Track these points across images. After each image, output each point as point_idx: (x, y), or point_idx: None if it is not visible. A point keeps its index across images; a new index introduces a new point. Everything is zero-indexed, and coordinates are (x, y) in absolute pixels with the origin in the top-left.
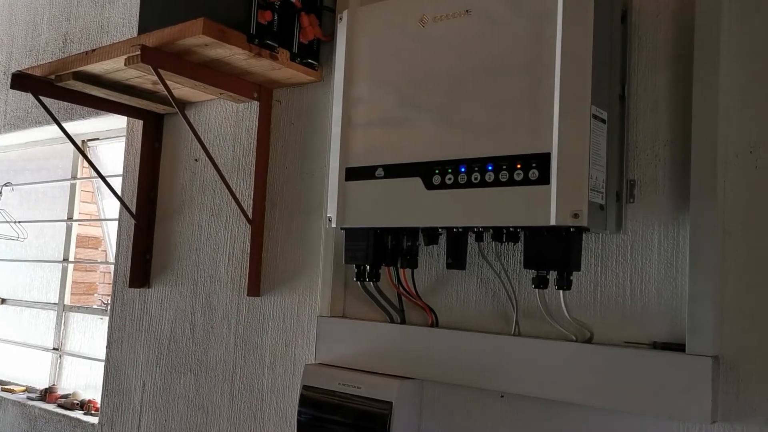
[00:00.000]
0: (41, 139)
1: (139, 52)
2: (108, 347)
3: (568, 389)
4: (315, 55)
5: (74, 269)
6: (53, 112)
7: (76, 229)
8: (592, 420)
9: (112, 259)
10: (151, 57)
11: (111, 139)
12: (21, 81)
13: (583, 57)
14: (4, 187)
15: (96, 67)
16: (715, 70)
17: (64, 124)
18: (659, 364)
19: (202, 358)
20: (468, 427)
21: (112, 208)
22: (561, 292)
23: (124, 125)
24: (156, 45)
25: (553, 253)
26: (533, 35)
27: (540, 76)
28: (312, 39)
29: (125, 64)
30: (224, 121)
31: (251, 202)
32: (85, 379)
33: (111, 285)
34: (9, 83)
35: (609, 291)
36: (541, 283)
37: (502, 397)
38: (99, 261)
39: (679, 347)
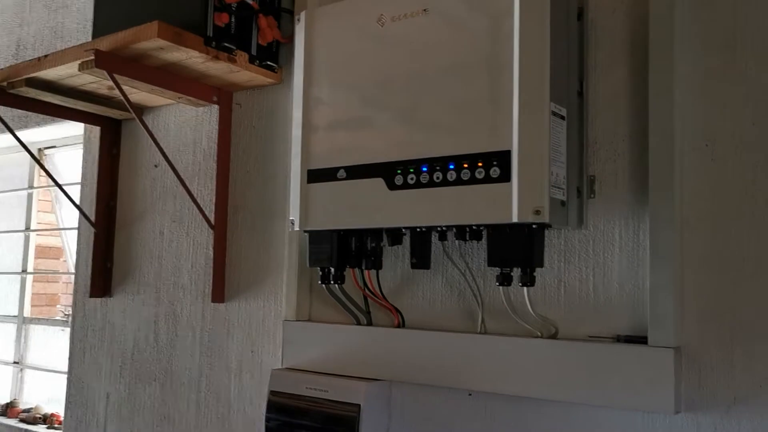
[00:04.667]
0: None
1: (93, 57)
2: (70, 359)
3: (534, 385)
4: (274, 57)
5: (35, 280)
6: (7, 120)
7: (35, 239)
8: (559, 414)
9: (72, 264)
10: (106, 62)
11: (68, 147)
12: None
13: (540, 54)
14: None
15: (49, 73)
16: (669, 64)
17: (19, 132)
18: (622, 358)
19: (167, 367)
20: (437, 427)
21: (71, 217)
22: (525, 288)
23: (81, 132)
24: (110, 49)
25: (516, 250)
26: (491, 33)
27: (498, 74)
28: (271, 41)
29: (79, 70)
30: (184, 126)
31: (213, 207)
32: (48, 393)
33: (73, 287)
34: None
35: (573, 286)
36: (505, 280)
37: (470, 395)
38: (58, 271)
39: (641, 340)
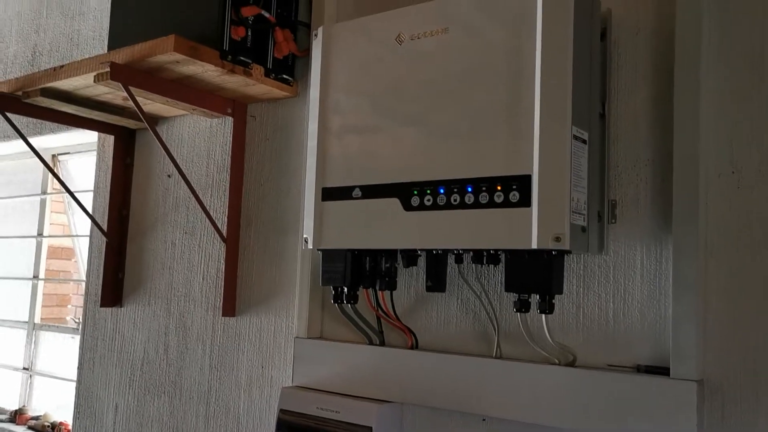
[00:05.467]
0: (9, 153)
1: (108, 69)
2: (79, 368)
3: (551, 413)
4: (290, 70)
5: (46, 280)
6: (22, 126)
7: (47, 242)
8: None
9: (83, 270)
10: (121, 74)
11: (82, 153)
12: None
13: (563, 77)
14: None
15: (64, 84)
16: (695, 88)
17: (34, 139)
18: (643, 388)
19: (176, 380)
20: None
21: (83, 221)
22: (543, 315)
23: (95, 139)
24: (126, 62)
25: (534, 276)
26: (512, 55)
27: (520, 96)
28: (287, 54)
29: (95, 81)
30: (197, 137)
31: (226, 219)
32: (57, 400)
33: (83, 296)
34: None
35: (592, 313)
36: (522, 306)
37: (483, 420)
38: (69, 279)
39: (663, 371)
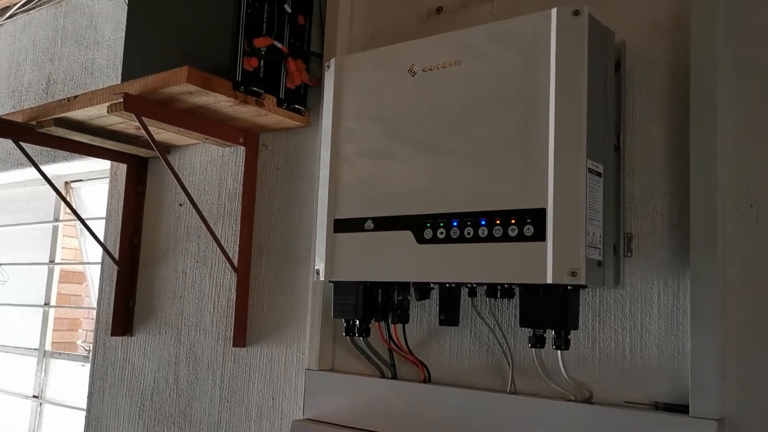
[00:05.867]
0: (23, 180)
1: (121, 100)
2: (89, 397)
3: None
4: (302, 100)
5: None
6: (36, 153)
7: (59, 269)
8: None
9: (94, 295)
10: (134, 105)
11: (95, 180)
12: (1, 127)
13: (577, 109)
14: None
15: (78, 114)
16: (712, 121)
17: (47, 166)
18: (662, 427)
19: (186, 411)
20: None
21: (95, 247)
22: (559, 351)
23: (108, 167)
24: (139, 93)
25: (549, 311)
26: (526, 87)
27: (534, 129)
28: (299, 84)
29: (108, 112)
30: (209, 166)
31: (237, 249)
32: (66, 429)
33: (94, 324)
34: None
35: (608, 348)
36: (537, 342)
37: None
38: (80, 306)
39: (682, 408)
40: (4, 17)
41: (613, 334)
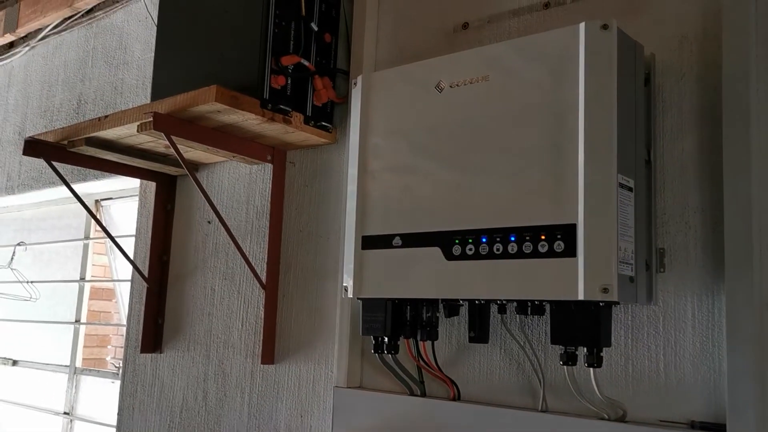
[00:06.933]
0: (55, 198)
1: (151, 119)
2: (119, 414)
3: None
4: (329, 117)
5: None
6: (67, 172)
7: (89, 286)
8: None
9: (123, 312)
10: (164, 124)
11: (124, 198)
12: (33, 147)
13: (607, 123)
14: (17, 247)
15: (108, 133)
16: (746, 132)
17: (78, 185)
18: None
19: (214, 428)
20: None
21: (124, 264)
22: (591, 369)
23: (137, 185)
24: (168, 112)
25: (581, 328)
26: (555, 102)
27: (563, 143)
28: (326, 102)
29: (138, 131)
30: (237, 183)
31: (265, 266)
32: None
33: (124, 341)
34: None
35: (641, 365)
36: (569, 359)
37: None
38: (110, 323)
39: (719, 428)
40: (37, 39)
41: (646, 351)
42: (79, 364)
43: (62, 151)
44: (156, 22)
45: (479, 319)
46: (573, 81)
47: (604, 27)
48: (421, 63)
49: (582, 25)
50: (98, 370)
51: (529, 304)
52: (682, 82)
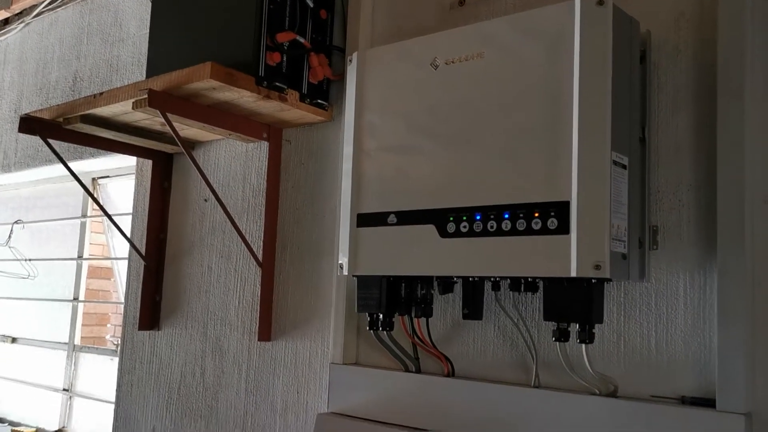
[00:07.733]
0: (52, 176)
1: (146, 96)
2: (118, 391)
3: None
4: (325, 95)
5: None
6: (63, 150)
7: (87, 262)
8: None
9: (122, 290)
10: (159, 101)
11: (121, 176)
12: (29, 124)
13: (601, 101)
14: (14, 225)
15: (104, 110)
16: (740, 111)
17: (74, 163)
18: (688, 421)
19: (212, 404)
20: None
21: (122, 244)
22: (583, 345)
23: (134, 163)
24: (163, 89)
25: (574, 305)
26: (549, 79)
27: (557, 121)
28: (321, 79)
29: (133, 108)
30: (233, 161)
31: (261, 243)
32: (96, 420)
33: (122, 319)
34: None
35: (633, 341)
36: (562, 336)
37: None
38: (108, 301)
39: (708, 403)
40: (32, 15)
41: (638, 327)
42: (77, 341)
43: (58, 129)
44: None
45: (473, 296)
46: (568, 57)
47: (600, 3)
48: (416, 40)
49: (577, 1)
50: (97, 348)
51: (523, 281)
52: (678, 59)
